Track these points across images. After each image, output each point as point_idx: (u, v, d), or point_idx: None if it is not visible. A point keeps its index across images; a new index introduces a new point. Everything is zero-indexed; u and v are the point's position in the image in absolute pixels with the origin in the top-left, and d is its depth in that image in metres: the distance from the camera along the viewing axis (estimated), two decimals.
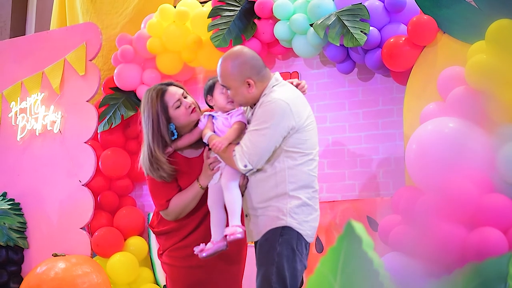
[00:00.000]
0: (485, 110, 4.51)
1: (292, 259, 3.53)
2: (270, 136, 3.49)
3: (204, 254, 3.64)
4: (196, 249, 3.68)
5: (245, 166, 3.51)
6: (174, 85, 3.88)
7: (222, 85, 3.69)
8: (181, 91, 3.85)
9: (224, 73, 3.65)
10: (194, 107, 3.82)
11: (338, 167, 5.86)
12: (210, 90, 3.81)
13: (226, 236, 3.56)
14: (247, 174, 3.62)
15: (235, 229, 3.53)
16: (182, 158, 3.87)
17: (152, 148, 3.74)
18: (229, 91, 3.66)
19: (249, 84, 3.60)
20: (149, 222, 6.56)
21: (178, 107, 3.78)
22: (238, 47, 3.78)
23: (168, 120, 3.77)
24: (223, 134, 3.66)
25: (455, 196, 4.37)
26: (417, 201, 4.61)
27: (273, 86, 3.64)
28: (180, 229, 3.90)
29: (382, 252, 4.71)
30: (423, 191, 4.67)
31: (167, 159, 3.76)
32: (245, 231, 3.61)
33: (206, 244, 3.67)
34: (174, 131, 3.79)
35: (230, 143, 3.58)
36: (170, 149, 3.82)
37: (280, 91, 3.61)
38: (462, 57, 4.79)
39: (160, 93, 3.78)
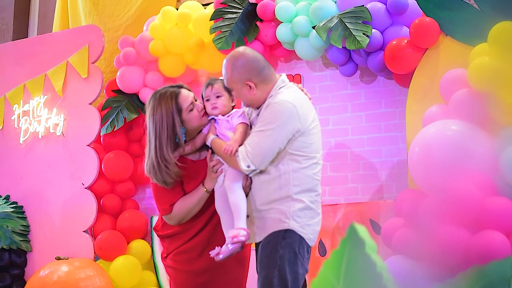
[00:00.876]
0: (488, 112, 4.50)
1: (294, 263, 3.52)
2: (275, 137, 3.49)
3: (221, 256, 3.63)
4: (212, 253, 3.66)
5: (248, 166, 3.50)
6: (184, 87, 3.87)
7: (227, 87, 3.70)
8: (192, 94, 3.84)
9: (226, 75, 3.66)
10: (205, 111, 3.82)
11: (341, 170, 5.85)
12: (203, 100, 3.85)
13: (230, 238, 3.55)
14: (250, 175, 3.61)
15: (238, 232, 3.53)
16: (189, 161, 3.86)
17: (164, 150, 3.69)
18: (233, 92, 3.68)
19: (249, 86, 3.60)
20: (152, 225, 6.60)
21: (191, 110, 3.76)
22: (240, 49, 3.78)
23: (181, 123, 3.75)
24: (225, 136, 3.66)
25: (458, 199, 4.36)
26: (420, 204, 4.60)
27: (279, 88, 3.64)
28: (184, 232, 3.89)
29: (385, 255, 4.70)
30: (426, 194, 4.66)
31: (176, 163, 3.73)
32: (249, 234, 3.60)
33: (221, 247, 3.66)
34: (183, 135, 3.78)
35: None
36: (176, 154, 3.80)
37: (287, 93, 3.61)
38: (464, 60, 4.79)
39: (174, 96, 3.76)
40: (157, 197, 3.88)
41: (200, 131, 3.84)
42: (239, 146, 3.57)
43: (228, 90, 3.73)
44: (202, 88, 3.83)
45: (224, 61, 3.71)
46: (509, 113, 4.43)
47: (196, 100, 3.83)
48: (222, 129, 3.70)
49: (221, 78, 3.80)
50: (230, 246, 3.59)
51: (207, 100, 3.75)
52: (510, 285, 1.67)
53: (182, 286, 3.94)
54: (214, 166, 3.75)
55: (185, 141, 3.80)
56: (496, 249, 4.14)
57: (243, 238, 3.53)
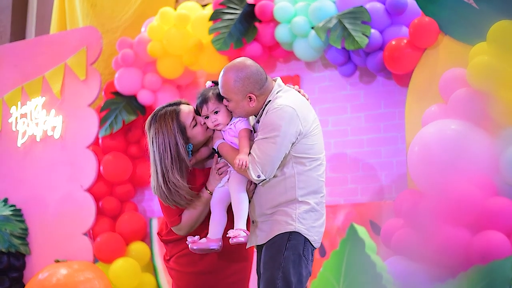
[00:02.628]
0: (487, 111, 4.49)
1: (298, 265, 3.50)
2: (280, 143, 3.46)
3: (195, 247, 3.59)
4: (189, 239, 3.63)
5: (258, 176, 3.47)
6: (183, 103, 3.80)
7: (223, 96, 3.62)
8: (192, 108, 3.77)
9: (226, 85, 3.57)
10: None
11: (340, 171, 5.84)
12: (199, 114, 3.78)
13: (229, 238, 3.52)
14: (259, 184, 3.59)
15: (238, 233, 3.50)
16: (197, 171, 3.82)
17: (171, 174, 3.62)
18: (228, 103, 3.60)
19: (250, 98, 3.56)
20: (151, 227, 6.58)
21: (195, 125, 3.70)
22: (241, 59, 3.70)
23: (187, 140, 3.69)
24: (234, 144, 3.62)
25: (458, 199, 4.35)
26: (419, 204, 4.58)
27: (277, 92, 3.61)
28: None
29: (386, 256, 4.68)
30: (426, 194, 4.65)
31: (188, 186, 3.67)
32: (248, 236, 3.57)
33: (200, 238, 3.63)
34: (190, 151, 3.72)
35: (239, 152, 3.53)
36: (192, 161, 3.75)
37: (285, 97, 3.57)
38: (463, 59, 4.78)
39: (174, 115, 3.68)
40: (165, 210, 3.83)
41: (205, 143, 3.79)
42: (246, 156, 3.53)
43: (221, 100, 3.64)
44: (197, 102, 3.72)
45: (224, 71, 3.61)
46: (508, 112, 4.42)
47: (197, 114, 3.76)
48: (228, 136, 3.66)
49: (210, 87, 3.71)
50: (208, 242, 3.56)
51: (206, 117, 3.69)
52: (511, 284, 1.66)
53: (185, 287, 3.92)
54: (219, 168, 3.72)
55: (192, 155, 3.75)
56: (496, 249, 4.12)
57: (242, 240, 3.51)
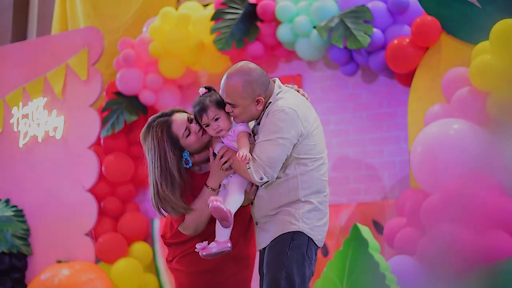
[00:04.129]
0: (490, 111, 4.48)
1: (301, 264, 3.49)
2: (282, 145, 3.44)
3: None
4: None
5: (261, 178, 3.46)
6: (176, 111, 3.75)
7: (228, 103, 3.57)
8: (186, 116, 3.72)
9: (234, 91, 3.51)
10: (202, 130, 3.71)
11: (343, 170, 5.83)
12: (197, 121, 3.74)
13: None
14: (261, 186, 3.57)
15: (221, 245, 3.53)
16: (197, 176, 3.80)
17: (160, 186, 3.61)
18: (234, 108, 3.56)
19: (258, 102, 3.53)
20: (153, 228, 6.57)
21: (188, 135, 3.67)
22: (243, 63, 3.65)
23: (181, 149, 3.66)
24: (235, 148, 3.59)
25: (462, 199, 4.34)
26: (422, 203, 4.57)
27: (277, 94, 3.59)
28: (193, 239, 3.85)
29: (389, 255, 4.67)
30: (429, 193, 4.64)
31: (181, 199, 3.66)
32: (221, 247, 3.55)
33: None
34: (189, 158, 3.70)
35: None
36: (197, 168, 3.74)
37: (285, 98, 3.55)
38: (466, 58, 4.78)
39: (165, 127, 3.64)
40: None
41: (205, 147, 3.77)
42: (247, 151, 3.51)
43: (222, 106, 3.61)
44: (194, 111, 3.67)
45: (229, 77, 3.54)
46: (511, 111, 4.41)
47: (191, 121, 3.72)
48: (227, 141, 3.64)
49: (204, 94, 3.68)
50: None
51: (207, 125, 3.65)
52: None
53: (187, 286, 3.91)
54: (224, 163, 3.67)
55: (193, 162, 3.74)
56: (501, 249, 4.11)
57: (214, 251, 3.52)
